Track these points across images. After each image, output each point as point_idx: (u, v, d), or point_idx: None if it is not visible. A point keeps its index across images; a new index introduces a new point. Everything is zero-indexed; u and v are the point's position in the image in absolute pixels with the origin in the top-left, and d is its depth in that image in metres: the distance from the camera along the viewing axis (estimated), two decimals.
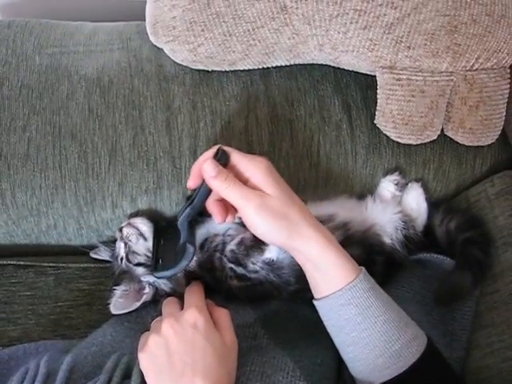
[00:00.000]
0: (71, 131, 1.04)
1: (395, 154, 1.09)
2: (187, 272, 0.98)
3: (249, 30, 0.98)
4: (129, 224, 1.03)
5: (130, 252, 1.00)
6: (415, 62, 0.97)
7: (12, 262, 1.10)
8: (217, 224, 0.91)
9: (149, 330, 0.84)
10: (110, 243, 1.06)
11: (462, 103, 1.00)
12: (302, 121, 1.07)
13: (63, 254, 1.12)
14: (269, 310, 0.98)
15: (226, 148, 0.86)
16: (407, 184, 1.10)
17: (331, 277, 0.83)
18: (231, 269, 0.96)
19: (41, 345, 0.98)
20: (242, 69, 1.07)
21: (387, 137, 1.04)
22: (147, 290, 0.98)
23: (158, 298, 0.98)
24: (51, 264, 1.10)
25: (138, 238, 1.01)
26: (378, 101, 1.01)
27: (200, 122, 1.05)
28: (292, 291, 0.96)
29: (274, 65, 1.07)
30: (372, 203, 1.07)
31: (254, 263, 0.95)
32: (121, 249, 1.01)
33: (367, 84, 1.09)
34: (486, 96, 1.00)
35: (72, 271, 1.10)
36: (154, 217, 1.06)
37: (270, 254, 0.94)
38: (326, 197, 1.06)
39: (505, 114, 1.04)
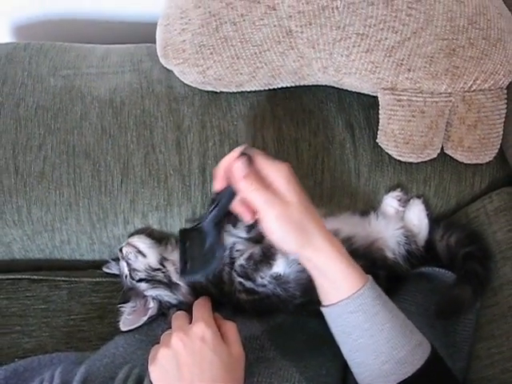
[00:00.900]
0: (85, 150, 1.05)
1: (397, 172, 1.10)
2: (192, 284, 1.00)
3: (256, 53, 1.01)
4: (128, 244, 1.05)
5: (131, 270, 1.02)
6: (415, 83, 0.99)
7: (26, 276, 1.12)
8: (245, 223, 0.91)
9: (159, 343, 0.85)
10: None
11: (460, 123, 1.01)
12: (307, 140, 1.09)
13: (76, 268, 1.13)
14: (275, 323, 0.99)
15: (249, 150, 0.84)
16: (409, 200, 1.10)
17: (339, 285, 0.83)
18: (240, 283, 0.98)
19: (55, 357, 0.99)
20: (249, 90, 1.08)
21: (389, 155, 1.05)
22: (151, 304, 1.01)
23: (164, 311, 1.01)
24: (64, 278, 1.12)
25: (137, 256, 1.03)
26: (380, 121, 1.03)
27: (209, 142, 1.07)
28: (297, 304, 0.97)
29: (280, 86, 1.08)
30: (375, 219, 1.08)
31: (262, 277, 0.97)
32: (124, 267, 1.04)
33: (369, 104, 1.10)
34: (484, 116, 1.02)
35: (84, 285, 1.12)
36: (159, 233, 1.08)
37: (278, 268, 0.96)
38: (330, 213, 1.07)
39: (502, 132, 1.05)
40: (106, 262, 1.11)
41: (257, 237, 1.00)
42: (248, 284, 0.97)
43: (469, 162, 1.06)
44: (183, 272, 0.92)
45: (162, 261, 1.03)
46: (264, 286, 0.97)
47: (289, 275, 0.96)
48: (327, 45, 0.99)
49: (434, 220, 1.11)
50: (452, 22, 0.98)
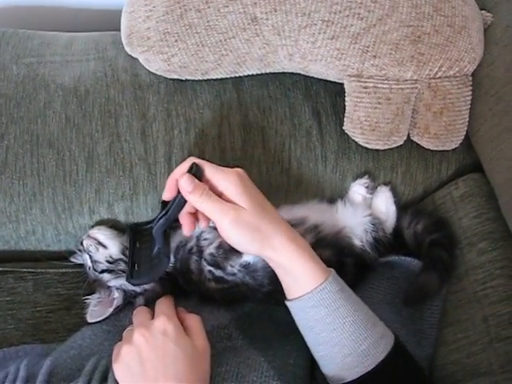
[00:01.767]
0: (49, 139, 1.04)
1: (364, 159, 1.10)
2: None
3: (221, 41, 1.00)
4: (88, 236, 1.04)
5: (93, 261, 1.02)
6: (381, 70, 0.99)
7: None
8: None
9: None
10: None
11: (426, 110, 1.02)
12: (274, 127, 1.09)
13: (42, 259, 1.12)
14: (243, 312, 1.00)
15: (199, 161, 0.87)
16: (377, 187, 1.11)
17: (301, 280, 0.85)
18: (210, 271, 0.98)
19: (20, 349, 0.98)
20: (214, 78, 1.08)
21: (356, 142, 1.05)
22: (116, 294, 1.00)
23: (130, 300, 1.00)
24: (30, 269, 1.11)
25: (98, 248, 1.02)
26: (346, 108, 1.03)
27: (174, 130, 1.06)
28: (265, 293, 0.98)
29: (246, 74, 1.08)
30: (342, 207, 1.09)
31: (232, 266, 0.97)
32: (87, 260, 1.03)
33: (336, 91, 1.10)
34: (450, 102, 1.03)
35: (50, 276, 1.11)
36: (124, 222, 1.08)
37: (248, 256, 0.96)
38: (297, 200, 1.08)
39: (468, 119, 1.06)
40: (73, 252, 1.09)
41: None
42: (218, 273, 0.97)
43: (435, 148, 1.07)
44: (131, 276, 0.94)
45: (124, 250, 1.02)
46: (234, 274, 0.97)
47: (257, 263, 0.96)
48: (293, 32, 0.99)
49: (402, 207, 1.12)
50: (417, 9, 0.98)
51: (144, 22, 1.03)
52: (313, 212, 1.05)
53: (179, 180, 0.85)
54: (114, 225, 1.08)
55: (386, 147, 1.05)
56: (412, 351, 0.90)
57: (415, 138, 1.06)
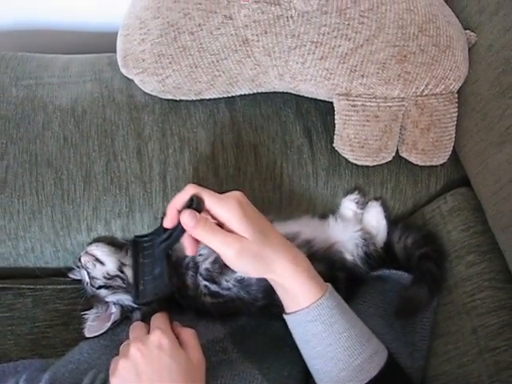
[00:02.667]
0: (47, 159, 1.06)
1: (354, 175, 1.12)
2: None
3: (213, 62, 1.02)
4: (86, 252, 1.06)
5: (91, 277, 1.03)
6: (369, 89, 1.01)
7: None
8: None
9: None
10: None
11: (414, 126, 1.04)
12: (266, 145, 1.10)
13: (41, 276, 1.13)
14: (238, 326, 1.01)
15: (198, 191, 0.85)
16: (367, 202, 1.12)
17: (299, 297, 0.86)
18: (205, 286, 0.99)
19: (19, 364, 0.99)
20: (208, 98, 1.09)
21: (346, 159, 1.07)
22: (113, 309, 1.01)
23: (127, 315, 1.01)
24: (29, 286, 1.12)
25: (95, 264, 1.03)
26: (336, 126, 1.04)
27: (169, 149, 1.08)
28: (260, 307, 0.99)
29: (238, 93, 1.09)
30: (334, 222, 1.10)
31: (227, 281, 0.98)
32: (85, 276, 1.04)
33: (327, 110, 1.11)
34: (436, 119, 1.04)
35: (49, 292, 1.12)
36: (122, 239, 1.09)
37: None
38: (289, 216, 1.08)
39: (454, 135, 1.08)
40: (71, 269, 1.10)
41: None
42: (213, 287, 0.99)
43: (423, 164, 1.08)
44: (137, 297, 0.93)
45: (121, 267, 1.04)
46: (229, 289, 0.98)
47: (251, 278, 0.97)
48: (283, 53, 1.01)
49: (392, 222, 1.12)
50: (403, 30, 1.01)
51: (139, 44, 1.05)
52: (305, 227, 1.06)
53: (181, 216, 0.83)
54: (111, 241, 1.09)
55: (375, 163, 1.06)
56: (404, 363, 0.92)
57: (404, 154, 1.07)
